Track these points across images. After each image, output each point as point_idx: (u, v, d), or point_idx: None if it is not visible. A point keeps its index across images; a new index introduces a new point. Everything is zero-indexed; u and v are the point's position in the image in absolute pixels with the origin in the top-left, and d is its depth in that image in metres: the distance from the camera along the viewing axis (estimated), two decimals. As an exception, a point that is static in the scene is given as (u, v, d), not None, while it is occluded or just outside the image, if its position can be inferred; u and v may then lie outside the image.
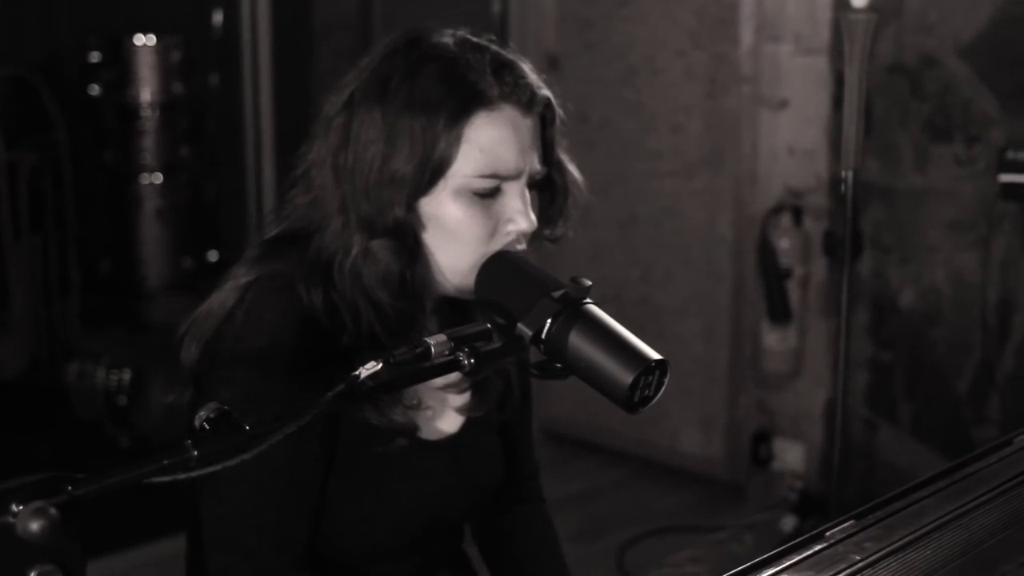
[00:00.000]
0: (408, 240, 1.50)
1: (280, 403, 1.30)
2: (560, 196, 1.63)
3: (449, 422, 1.68)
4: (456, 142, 1.47)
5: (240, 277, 1.56)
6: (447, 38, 1.53)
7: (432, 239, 1.52)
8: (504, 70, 1.50)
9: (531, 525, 1.88)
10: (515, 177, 1.51)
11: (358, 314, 1.51)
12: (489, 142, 1.48)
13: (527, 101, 1.51)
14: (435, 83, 1.48)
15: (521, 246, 1.53)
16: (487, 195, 1.50)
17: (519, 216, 1.51)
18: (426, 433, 1.65)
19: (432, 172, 1.48)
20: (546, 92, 1.55)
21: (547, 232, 1.63)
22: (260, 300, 1.51)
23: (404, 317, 1.53)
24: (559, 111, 1.58)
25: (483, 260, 1.49)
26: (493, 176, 1.49)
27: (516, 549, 1.86)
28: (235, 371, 1.49)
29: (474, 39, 1.54)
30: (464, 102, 1.47)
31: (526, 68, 1.54)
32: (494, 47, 1.54)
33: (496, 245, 1.50)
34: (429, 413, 1.65)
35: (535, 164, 1.53)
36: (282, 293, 1.51)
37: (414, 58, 1.50)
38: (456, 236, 1.50)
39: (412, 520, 1.62)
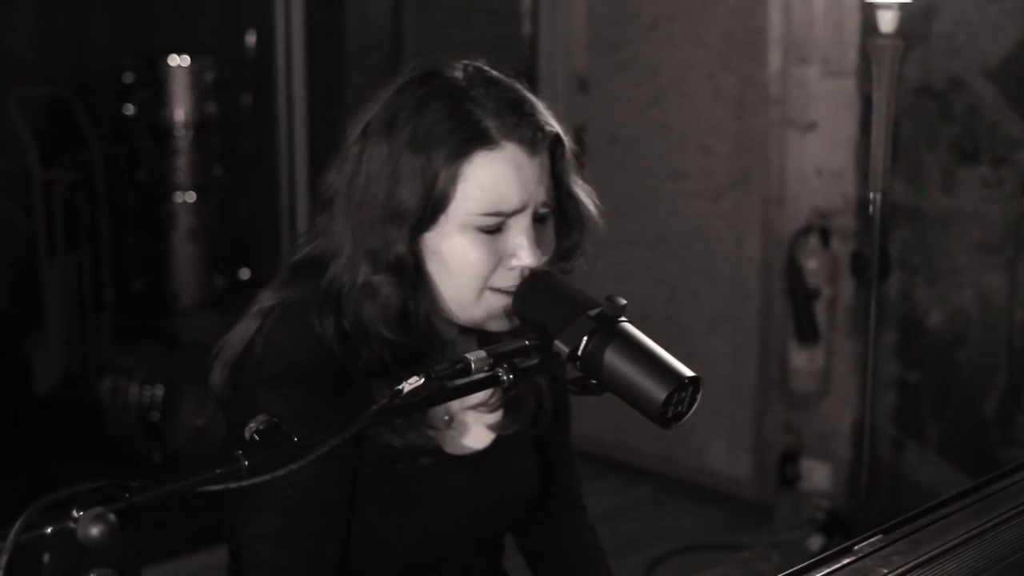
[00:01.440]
0: (408, 276, 1.51)
1: (299, 429, 1.33)
2: (576, 230, 1.63)
3: (478, 438, 1.69)
4: (454, 180, 1.48)
5: (264, 302, 1.58)
6: (459, 72, 1.54)
7: (436, 272, 1.53)
8: (511, 108, 1.50)
9: (574, 533, 1.89)
10: (519, 213, 1.51)
11: (368, 343, 1.53)
12: (489, 180, 1.48)
13: (531, 140, 1.50)
14: (438, 120, 1.49)
15: None
16: (491, 230, 1.50)
17: (523, 252, 1.50)
18: (455, 449, 1.66)
19: (433, 208, 1.49)
20: (554, 128, 1.54)
21: (560, 264, 1.62)
22: (277, 328, 1.54)
23: (411, 349, 1.54)
24: (569, 146, 1.58)
25: (483, 291, 1.51)
26: (495, 214, 1.49)
27: (560, 557, 1.87)
28: (255, 398, 1.51)
29: (488, 72, 1.55)
30: (464, 140, 1.48)
31: (537, 105, 1.54)
32: (507, 81, 1.55)
33: (500, 280, 1.51)
34: (458, 430, 1.67)
35: (541, 199, 1.52)
36: (298, 321, 1.53)
37: (423, 93, 1.51)
38: (459, 270, 1.51)
39: (441, 537, 1.64)
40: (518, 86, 1.55)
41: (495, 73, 1.55)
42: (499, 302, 1.52)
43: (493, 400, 1.68)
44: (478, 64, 1.56)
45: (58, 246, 5.05)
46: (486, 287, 1.52)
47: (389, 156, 1.50)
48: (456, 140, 1.48)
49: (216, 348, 1.61)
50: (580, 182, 1.63)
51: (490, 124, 1.49)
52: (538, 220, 1.54)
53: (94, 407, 4.76)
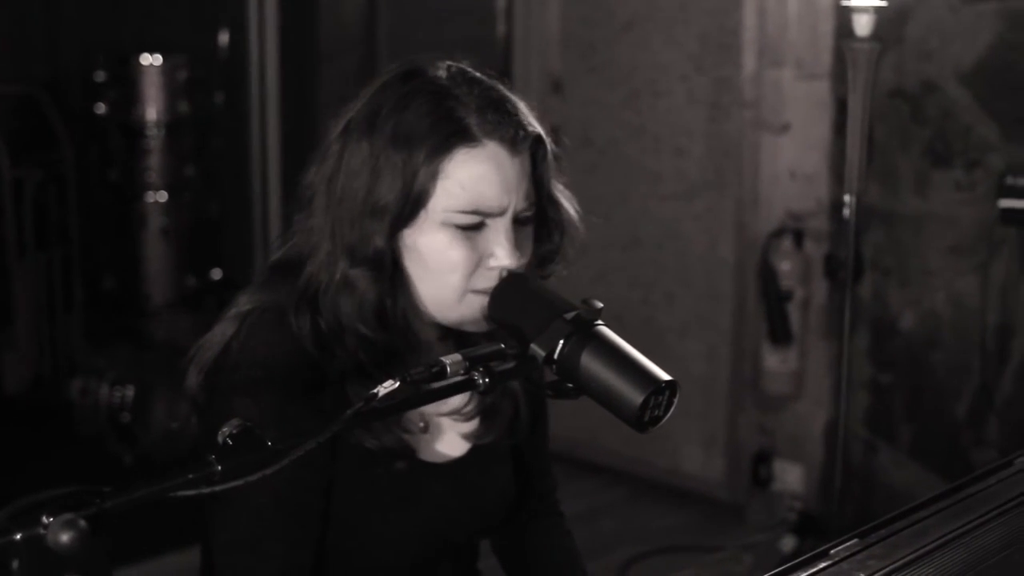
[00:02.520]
0: (386, 271, 1.51)
1: (274, 434, 1.32)
2: (556, 234, 1.62)
3: (454, 446, 1.68)
4: (435, 177, 1.48)
5: (241, 306, 1.58)
6: (442, 71, 1.54)
7: (415, 270, 1.52)
8: (493, 106, 1.50)
9: (551, 538, 1.89)
10: (498, 214, 1.50)
11: (343, 342, 1.53)
12: (469, 179, 1.48)
13: (512, 139, 1.50)
14: (420, 117, 1.48)
15: None
16: (471, 228, 1.49)
17: (502, 252, 1.50)
18: (430, 456, 1.65)
19: (412, 205, 1.48)
20: (536, 129, 1.54)
21: (539, 271, 1.62)
22: (253, 333, 1.53)
23: (387, 348, 1.53)
24: (551, 148, 1.57)
25: (464, 292, 1.50)
26: (474, 212, 1.49)
27: (536, 563, 1.87)
28: (231, 402, 1.50)
29: (471, 72, 1.55)
30: (445, 137, 1.47)
31: (520, 105, 1.54)
32: (489, 82, 1.54)
33: (479, 281, 1.50)
34: (433, 436, 1.66)
35: (521, 201, 1.52)
36: (275, 325, 1.53)
37: (405, 91, 1.51)
38: (438, 268, 1.50)
39: (416, 543, 1.63)
40: (500, 86, 1.55)
41: (477, 74, 1.55)
42: (480, 303, 1.51)
43: (468, 409, 1.66)
44: (461, 65, 1.56)
45: (28, 245, 5.01)
46: (468, 289, 1.51)
47: (370, 153, 1.50)
48: (438, 136, 1.47)
49: (192, 351, 1.59)
50: (560, 187, 1.62)
51: (472, 121, 1.48)
52: (518, 222, 1.53)
53: (64, 408, 4.73)
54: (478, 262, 1.50)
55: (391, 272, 1.52)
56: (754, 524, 4.41)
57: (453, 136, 1.48)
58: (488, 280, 1.50)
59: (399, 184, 1.48)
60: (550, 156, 1.58)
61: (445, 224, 1.49)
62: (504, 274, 1.50)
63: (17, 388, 5.01)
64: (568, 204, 1.64)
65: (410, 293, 1.54)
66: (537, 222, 1.59)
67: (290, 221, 1.66)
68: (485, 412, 1.69)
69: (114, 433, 4.57)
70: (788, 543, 4.16)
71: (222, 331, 1.57)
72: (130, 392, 4.55)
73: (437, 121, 1.48)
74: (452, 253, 1.49)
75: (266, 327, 1.53)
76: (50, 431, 4.80)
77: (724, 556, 4.15)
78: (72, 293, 5.18)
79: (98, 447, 4.60)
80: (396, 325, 1.54)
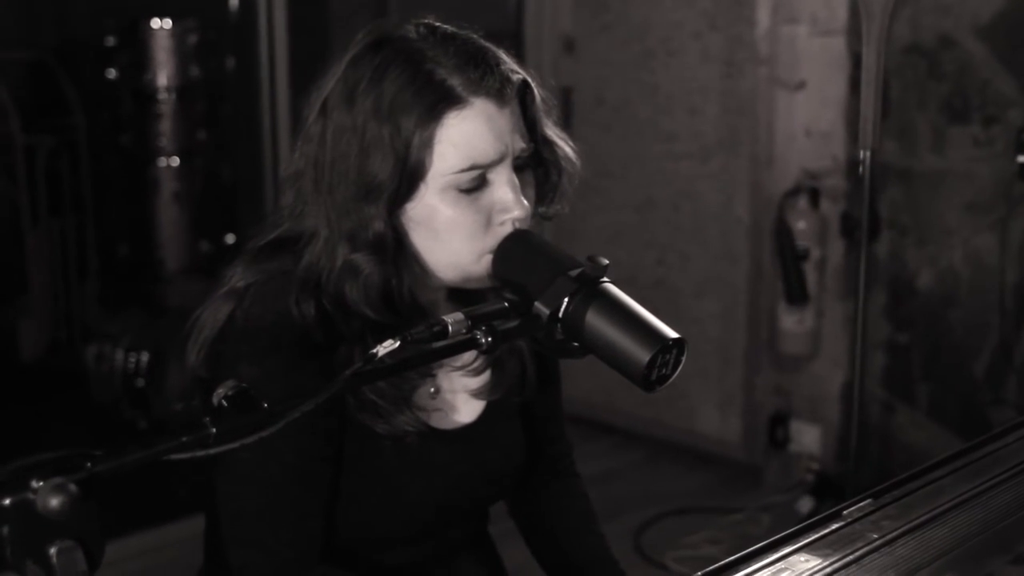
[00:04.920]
0: (389, 252, 1.47)
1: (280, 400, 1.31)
2: (553, 172, 1.57)
3: (464, 411, 1.67)
4: (428, 144, 1.44)
5: (235, 282, 1.54)
6: (412, 33, 1.49)
7: (424, 243, 1.49)
8: (472, 62, 1.45)
9: (567, 500, 1.87)
10: (497, 163, 1.46)
11: (349, 323, 1.50)
12: (462, 138, 1.44)
13: (499, 91, 1.45)
14: (401, 86, 1.44)
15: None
16: (474, 189, 1.46)
17: (511, 203, 1.46)
18: (440, 423, 1.63)
19: (409, 178, 1.44)
20: (520, 75, 1.49)
21: (541, 210, 1.58)
22: (259, 300, 1.50)
23: (394, 328, 1.47)
24: (538, 90, 1.53)
25: (482, 253, 1.47)
26: (473, 167, 1.45)
27: (553, 524, 1.85)
28: (238, 371, 1.48)
29: (442, 29, 1.50)
30: (432, 104, 1.43)
31: (500, 54, 1.49)
32: (463, 35, 1.50)
33: (492, 238, 1.46)
34: (444, 404, 1.64)
35: (517, 146, 1.48)
36: (279, 296, 1.50)
37: (379, 61, 1.46)
38: (450, 235, 1.47)
39: (425, 511, 1.62)
40: (475, 37, 1.50)
41: (449, 28, 1.50)
42: None
43: (477, 364, 1.64)
44: (428, 21, 1.51)
45: (41, 212, 5.01)
46: (484, 250, 1.47)
47: (354, 130, 1.45)
48: (424, 104, 1.43)
49: (188, 328, 1.56)
50: (551, 125, 1.57)
51: (455, 83, 1.44)
52: (517, 169, 1.49)
53: (79, 374, 4.74)
54: (488, 220, 1.47)
55: (394, 252, 1.48)
56: (771, 485, 4.40)
57: (440, 102, 1.43)
58: (502, 236, 1.47)
59: (391, 160, 1.44)
60: (539, 98, 1.53)
61: (446, 189, 1.45)
62: (517, 224, 1.46)
63: (33, 355, 5.03)
64: (562, 142, 1.58)
65: (417, 267, 1.51)
66: (534, 164, 1.55)
67: (278, 206, 1.61)
68: (493, 366, 1.67)
69: (129, 399, 4.58)
70: (806, 504, 4.15)
71: (216, 308, 1.53)
72: (145, 358, 4.56)
73: (420, 89, 1.43)
74: (460, 217, 1.46)
75: (270, 298, 1.50)
76: (66, 397, 4.83)
77: (741, 517, 4.15)
78: (86, 259, 5.19)
79: (114, 413, 4.62)
80: (403, 304, 1.51)
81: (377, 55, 1.47)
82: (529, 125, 1.52)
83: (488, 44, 1.50)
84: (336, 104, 1.48)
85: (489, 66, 1.46)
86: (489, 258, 1.47)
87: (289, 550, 1.51)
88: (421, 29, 1.49)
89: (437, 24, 1.51)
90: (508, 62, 1.50)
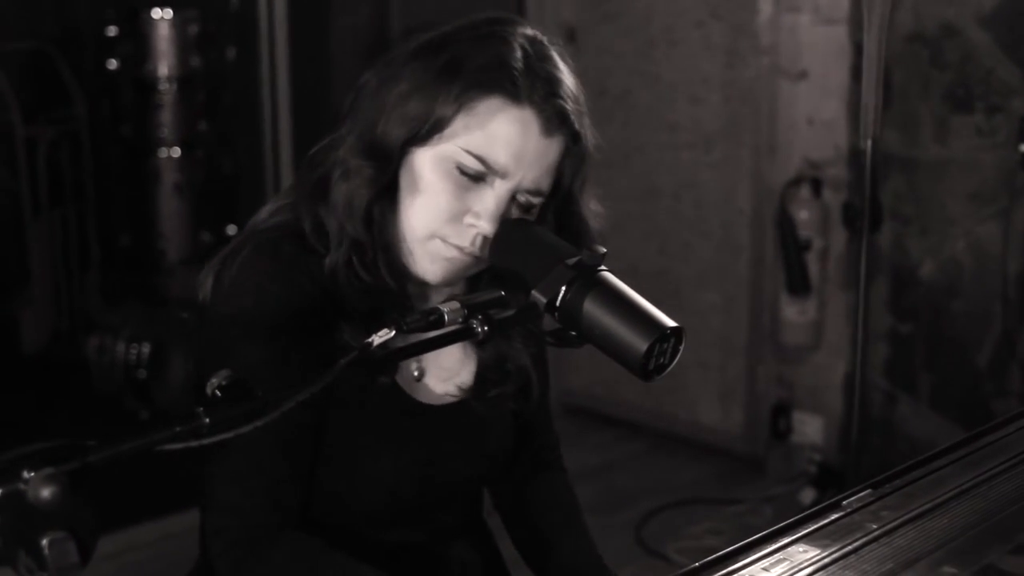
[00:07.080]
0: (385, 173, 1.51)
1: (265, 366, 1.39)
2: (566, 233, 1.57)
3: (450, 388, 1.67)
4: (462, 108, 1.47)
5: (259, 224, 1.60)
6: (526, 30, 1.54)
7: (407, 196, 1.51)
8: (548, 82, 1.50)
9: (553, 494, 1.87)
10: (501, 176, 1.48)
11: (339, 236, 1.53)
12: (493, 126, 1.47)
13: (549, 117, 1.49)
14: (480, 54, 1.49)
15: (472, 248, 1.49)
16: (469, 178, 1.48)
17: (487, 215, 1.48)
18: (426, 397, 1.65)
19: (432, 125, 1.48)
20: (575, 125, 1.52)
21: None
22: (246, 262, 1.53)
23: (376, 251, 1.53)
24: (586, 153, 1.56)
25: (434, 236, 1.49)
26: (480, 160, 1.47)
27: (537, 518, 1.85)
28: (219, 333, 1.52)
29: (547, 48, 1.54)
30: (494, 81, 1.47)
31: (580, 99, 1.54)
32: (559, 62, 1.53)
33: (452, 233, 1.49)
34: (430, 383, 1.65)
35: (529, 182, 1.50)
36: (269, 256, 1.53)
37: (483, 32, 1.52)
38: (424, 199, 1.49)
39: (408, 486, 1.62)
40: (566, 73, 1.54)
41: (553, 51, 1.55)
42: (441, 253, 1.50)
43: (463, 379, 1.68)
44: (543, 36, 1.56)
45: (42, 203, 5.00)
46: (436, 233, 1.49)
47: (419, 72, 1.50)
48: (484, 75, 1.47)
49: (207, 267, 1.59)
50: (586, 199, 1.61)
51: (522, 82, 1.48)
52: (520, 206, 1.51)
53: (81, 365, 4.74)
54: (460, 213, 1.49)
55: (388, 181, 1.51)
56: (773, 476, 4.40)
57: (501, 84, 1.47)
58: (459, 237, 1.49)
59: (431, 104, 1.48)
60: (580, 159, 1.56)
61: (450, 159, 1.48)
62: (479, 239, 1.48)
63: (34, 346, 5.02)
64: (591, 218, 1.62)
65: (397, 220, 1.53)
66: (555, 224, 1.57)
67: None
68: (485, 366, 1.69)
69: (131, 390, 4.58)
70: (808, 495, 4.15)
71: (231, 248, 1.57)
72: (146, 349, 4.56)
73: (492, 63, 1.48)
74: (442, 189, 1.48)
75: (259, 257, 1.53)
76: (67, 388, 4.82)
77: (743, 509, 4.15)
78: (88, 250, 5.18)
79: (115, 404, 4.61)
80: (381, 232, 1.53)
81: (487, 27, 1.53)
82: (558, 176, 1.54)
83: (573, 87, 1.54)
84: (424, 49, 1.53)
85: (557, 96, 1.50)
86: (436, 246, 1.50)
87: (261, 512, 1.52)
88: (536, 37, 1.54)
89: (547, 43, 1.55)
90: (575, 109, 1.53)
